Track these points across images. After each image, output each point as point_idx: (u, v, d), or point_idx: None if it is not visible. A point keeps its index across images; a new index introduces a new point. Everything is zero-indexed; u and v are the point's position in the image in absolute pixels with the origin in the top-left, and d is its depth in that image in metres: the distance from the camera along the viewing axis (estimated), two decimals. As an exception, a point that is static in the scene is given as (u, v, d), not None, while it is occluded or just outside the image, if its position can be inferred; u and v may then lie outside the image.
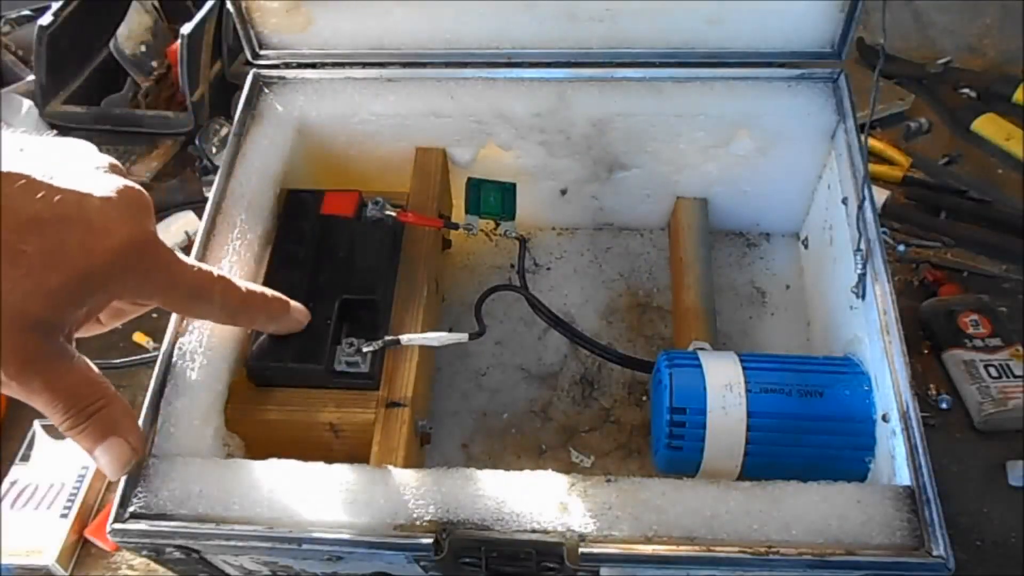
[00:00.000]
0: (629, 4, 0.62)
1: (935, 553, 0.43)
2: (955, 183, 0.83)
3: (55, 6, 0.88)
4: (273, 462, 0.47)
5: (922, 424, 0.47)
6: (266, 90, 0.66)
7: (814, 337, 0.68)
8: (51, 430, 0.70)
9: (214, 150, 0.87)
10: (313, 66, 0.67)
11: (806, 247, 0.72)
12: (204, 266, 0.45)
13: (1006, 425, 0.66)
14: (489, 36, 0.65)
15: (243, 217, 0.58)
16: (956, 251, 0.79)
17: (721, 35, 0.63)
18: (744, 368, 0.53)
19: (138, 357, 0.75)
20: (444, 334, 0.54)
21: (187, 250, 0.52)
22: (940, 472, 0.45)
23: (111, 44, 0.91)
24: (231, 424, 0.53)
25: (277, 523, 0.45)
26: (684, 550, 0.43)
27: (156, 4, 0.96)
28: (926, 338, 0.72)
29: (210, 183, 0.66)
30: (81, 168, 0.40)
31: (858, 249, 0.55)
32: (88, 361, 0.40)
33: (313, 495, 0.46)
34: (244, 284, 0.48)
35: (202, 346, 0.52)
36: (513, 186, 0.64)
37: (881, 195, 0.81)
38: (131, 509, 0.46)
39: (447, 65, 0.66)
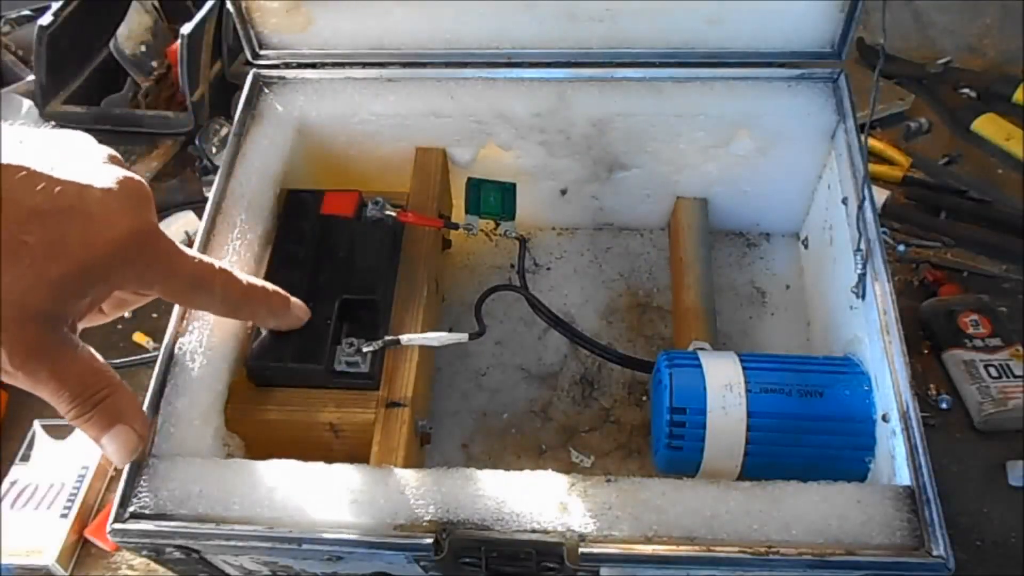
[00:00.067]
0: (629, 4, 0.62)
1: (935, 553, 0.43)
2: (955, 183, 0.83)
3: (55, 6, 0.88)
4: (273, 462, 0.47)
5: (922, 424, 0.47)
6: (266, 90, 0.66)
7: (814, 337, 0.68)
8: (51, 430, 0.70)
9: (214, 150, 0.87)
10: (313, 66, 0.67)
11: (806, 247, 0.72)
12: (205, 258, 0.45)
13: (1006, 425, 0.66)
14: (489, 36, 0.65)
15: (243, 217, 0.58)
16: (956, 251, 0.79)
17: (721, 35, 0.63)
18: (744, 368, 0.53)
19: (138, 357, 0.75)
20: (444, 334, 0.54)
21: (187, 250, 0.52)
22: (940, 472, 0.45)
23: (111, 44, 0.91)
24: (231, 424, 0.53)
25: (277, 523, 0.45)
26: (684, 550, 0.43)
27: (156, 4, 0.96)
28: (926, 338, 0.72)
29: (210, 183, 0.66)
30: (81, 160, 0.40)
31: (858, 249, 0.55)
32: (92, 351, 0.41)
33: (313, 495, 0.46)
34: (245, 277, 0.48)
35: (202, 346, 0.52)
36: (513, 186, 0.64)
37: (881, 195, 0.81)
38: (131, 509, 0.46)
39: (447, 65, 0.66)
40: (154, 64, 0.94)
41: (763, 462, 0.52)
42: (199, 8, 0.87)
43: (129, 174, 0.41)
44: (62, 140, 0.41)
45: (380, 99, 0.65)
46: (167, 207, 0.84)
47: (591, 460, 0.63)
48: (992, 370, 0.68)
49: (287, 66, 0.67)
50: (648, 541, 0.44)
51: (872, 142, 0.86)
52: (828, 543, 0.43)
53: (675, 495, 0.45)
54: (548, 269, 0.74)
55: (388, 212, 0.59)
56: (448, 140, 0.67)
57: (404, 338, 0.54)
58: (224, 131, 0.88)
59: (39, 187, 0.37)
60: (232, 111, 0.82)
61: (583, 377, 0.67)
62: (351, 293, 0.56)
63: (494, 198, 0.63)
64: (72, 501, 0.65)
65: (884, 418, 0.50)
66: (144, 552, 0.49)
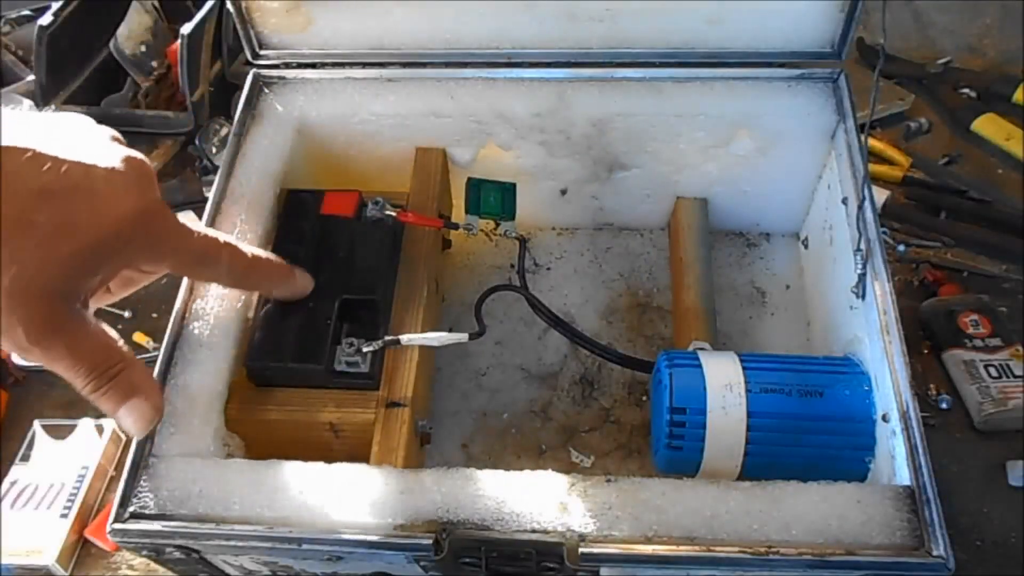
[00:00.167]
0: (629, 4, 0.62)
1: (935, 553, 0.43)
2: (955, 183, 0.83)
3: (55, 6, 0.88)
4: (273, 462, 0.47)
5: (922, 424, 0.47)
6: (266, 90, 0.66)
7: (814, 337, 0.68)
8: (51, 430, 0.70)
9: (214, 150, 0.87)
10: (313, 66, 0.66)
11: (806, 247, 0.72)
12: (211, 231, 0.46)
13: (1006, 425, 0.66)
14: (489, 36, 0.65)
15: (243, 217, 0.58)
16: (956, 251, 0.79)
17: (721, 35, 0.63)
18: (744, 368, 0.53)
19: (138, 357, 0.75)
20: (444, 334, 0.54)
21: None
22: (940, 472, 0.45)
23: (111, 44, 0.91)
24: (231, 424, 0.53)
25: (277, 523, 0.45)
26: (684, 550, 0.43)
27: (156, 4, 0.96)
28: (926, 338, 0.72)
29: (210, 183, 0.66)
30: (84, 140, 0.40)
31: (858, 249, 0.55)
32: (106, 326, 0.41)
33: (313, 495, 0.46)
34: (250, 249, 0.49)
35: (202, 346, 0.52)
36: (513, 186, 0.64)
37: (881, 195, 0.81)
38: (131, 509, 0.46)
39: (447, 65, 0.66)
40: (154, 64, 0.94)
41: (763, 462, 0.52)
42: (199, 8, 0.87)
43: (132, 153, 0.41)
44: (64, 122, 0.41)
45: (380, 99, 0.65)
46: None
47: (591, 460, 0.63)
48: (992, 370, 0.68)
49: (287, 66, 0.67)
50: (648, 541, 0.44)
51: (872, 142, 0.86)
52: (828, 543, 0.43)
53: (675, 495, 0.45)
54: (548, 269, 0.74)
55: (388, 212, 0.59)
56: (448, 140, 0.67)
57: (404, 338, 0.54)
58: (224, 131, 0.88)
59: (45, 167, 0.37)
60: (232, 111, 0.82)
61: (583, 377, 0.67)
62: (351, 293, 0.56)
63: (494, 198, 0.62)
64: (72, 501, 0.65)
65: (884, 418, 0.50)
66: (144, 552, 0.49)
